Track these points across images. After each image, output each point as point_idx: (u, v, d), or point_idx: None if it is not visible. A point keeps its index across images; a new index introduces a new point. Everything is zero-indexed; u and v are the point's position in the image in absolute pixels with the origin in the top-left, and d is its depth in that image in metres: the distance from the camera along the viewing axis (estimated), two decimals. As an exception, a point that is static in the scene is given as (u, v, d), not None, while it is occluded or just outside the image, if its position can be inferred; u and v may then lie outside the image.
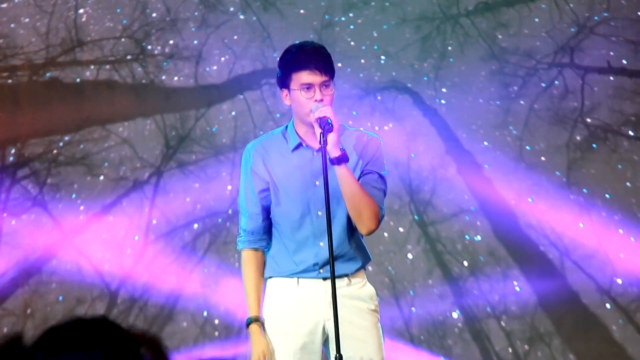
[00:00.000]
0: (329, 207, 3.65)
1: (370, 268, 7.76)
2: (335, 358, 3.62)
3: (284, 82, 3.85)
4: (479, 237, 8.06)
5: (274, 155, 3.91)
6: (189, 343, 7.92)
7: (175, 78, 8.28)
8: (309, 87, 3.76)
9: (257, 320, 3.86)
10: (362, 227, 3.81)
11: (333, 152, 3.68)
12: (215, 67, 8.34)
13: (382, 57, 8.33)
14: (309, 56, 3.77)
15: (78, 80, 8.12)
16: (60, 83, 8.06)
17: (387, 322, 7.57)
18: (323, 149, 3.67)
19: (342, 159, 3.69)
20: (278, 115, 8.13)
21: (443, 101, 8.26)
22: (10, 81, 7.93)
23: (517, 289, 7.98)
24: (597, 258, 7.93)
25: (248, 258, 3.96)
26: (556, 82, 8.23)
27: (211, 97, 8.29)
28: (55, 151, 7.97)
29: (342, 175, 3.73)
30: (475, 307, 7.98)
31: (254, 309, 3.89)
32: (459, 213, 8.10)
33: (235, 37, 8.34)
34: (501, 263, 8.06)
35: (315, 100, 3.75)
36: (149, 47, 8.25)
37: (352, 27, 8.32)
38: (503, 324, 7.98)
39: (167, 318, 7.95)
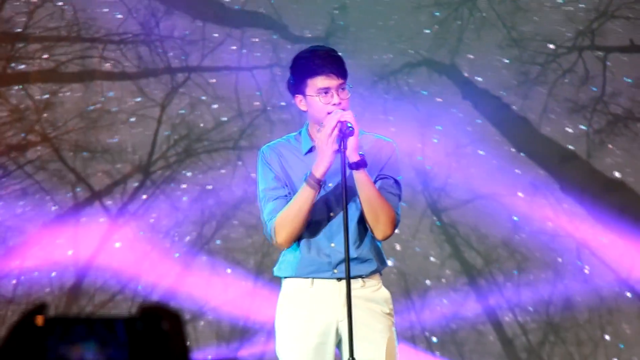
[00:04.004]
0: (347, 211, 3.84)
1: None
2: (348, 361, 3.81)
3: (298, 88, 4.03)
4: (493, 227, 8.23)
5: (288, 157, 4.11)
6: (197, 344, 8.12)
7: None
8: (326, 91, 3.94)
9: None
10: (378, 232, 3.98)
11: (352, 156, 3.85)
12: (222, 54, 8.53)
13: (397, 42, 8.47)
14: (323, 60, 3.94)
15: None
16: None
17: (399, 315, 7.78)
18: (342, 153, 3.84)
19: (361, 164, 3.86)
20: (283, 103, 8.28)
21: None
22: None
23: (532, 280, 8.19)
24: (615, 250, 8.10)
25: None
26: (576, 67, 8.36)
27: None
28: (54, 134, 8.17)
29: (361, 180, 3.90)
30: (490, 299, 8.17)
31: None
32: (473, 200, 8.26)
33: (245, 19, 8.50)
34: (516, 255, 8.25)
35: (334, 104, 3.93)
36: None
37: (366, 11, 8.45)
38: (518, 316, 8.17)
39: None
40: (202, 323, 8.12)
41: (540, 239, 8.19)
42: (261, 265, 7.77)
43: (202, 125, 8.38)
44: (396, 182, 4.07)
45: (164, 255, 8.09)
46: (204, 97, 8.37)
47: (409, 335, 7.87)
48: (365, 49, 8.44)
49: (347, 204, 3.85)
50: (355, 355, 3.83)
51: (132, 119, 8.28)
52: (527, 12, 8.41)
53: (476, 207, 8.26)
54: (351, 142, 3.84)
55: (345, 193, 3.84)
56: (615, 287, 8.10)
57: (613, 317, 8.12)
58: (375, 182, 4.01)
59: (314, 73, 3.94)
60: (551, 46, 8.40)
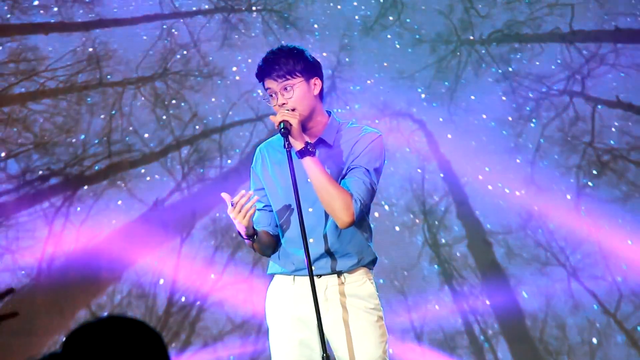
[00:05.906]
0: (300, 206, 3.93)
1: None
2: (323, 358, 3.96)
3: None
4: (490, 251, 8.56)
5: (274, 155, 4.28)
6: (208, 340, 8.24)
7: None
8: (271, 94, 4.18)
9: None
10: (337, 221, 4.01)
11: (297, 145, 4.00)
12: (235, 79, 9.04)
13: (397, 78, 8.96)
14: (264, 65, 4.16)
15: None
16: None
17: (396, 313, 8.00)
18: (288, 152, 4.01)
19: (305, 153, 3.98)
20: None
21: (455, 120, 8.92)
22: None
23: (525, 295, 8.46)
24: (604, 279, 8.44)
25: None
26: (568, 109, 8.82)
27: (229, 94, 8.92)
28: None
29: (308, 167, 3.99)
30: (496, 295, 8.43)
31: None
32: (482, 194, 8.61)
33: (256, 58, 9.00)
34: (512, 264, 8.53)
35: (280, 105, 4.10)
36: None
37: (369, 50, 8.96)
38: (522, 313, 8.41)
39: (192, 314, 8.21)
40: (205, 317, 8.29)
41: (555, 237, 8.53)
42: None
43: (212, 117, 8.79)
44: (367, 170, 4.06)
45: (170, 247, 8.27)
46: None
47: (407, 330, 7.91)
48: (366, 86, 8.89)
49: (299, 200, 3.92)
50: (336, 352, 4.07)
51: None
52: (522, 55, 8.92)
53: (484, 201, 8.62)
54: (294, 131, 3.96)
55: (296, 189, 3.94)
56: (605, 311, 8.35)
57: (608, 336, 8.37)
58: (348, 170, 4.10)
59: (259, 79, 4.19)
60: (544, 86, 8.89)
